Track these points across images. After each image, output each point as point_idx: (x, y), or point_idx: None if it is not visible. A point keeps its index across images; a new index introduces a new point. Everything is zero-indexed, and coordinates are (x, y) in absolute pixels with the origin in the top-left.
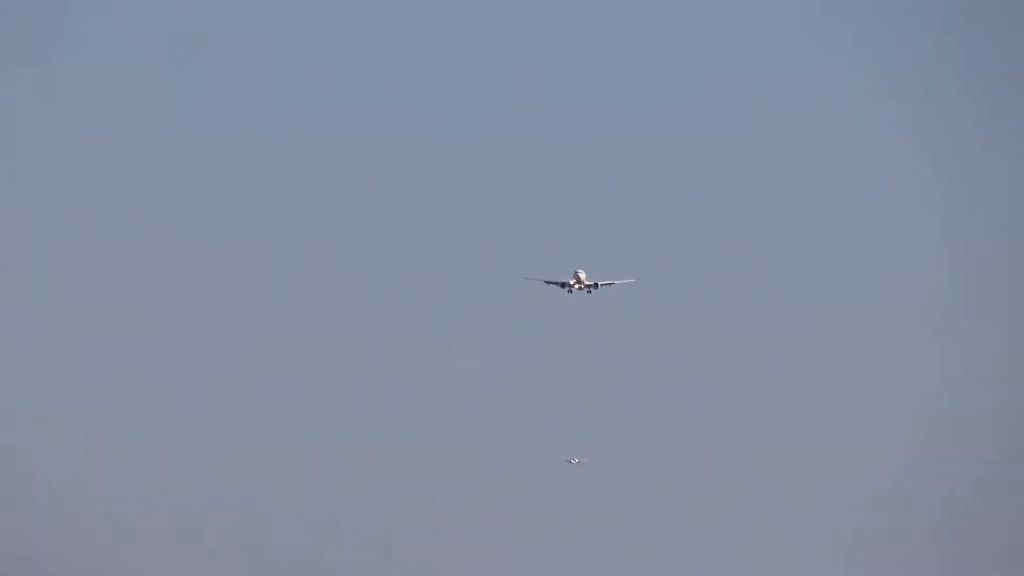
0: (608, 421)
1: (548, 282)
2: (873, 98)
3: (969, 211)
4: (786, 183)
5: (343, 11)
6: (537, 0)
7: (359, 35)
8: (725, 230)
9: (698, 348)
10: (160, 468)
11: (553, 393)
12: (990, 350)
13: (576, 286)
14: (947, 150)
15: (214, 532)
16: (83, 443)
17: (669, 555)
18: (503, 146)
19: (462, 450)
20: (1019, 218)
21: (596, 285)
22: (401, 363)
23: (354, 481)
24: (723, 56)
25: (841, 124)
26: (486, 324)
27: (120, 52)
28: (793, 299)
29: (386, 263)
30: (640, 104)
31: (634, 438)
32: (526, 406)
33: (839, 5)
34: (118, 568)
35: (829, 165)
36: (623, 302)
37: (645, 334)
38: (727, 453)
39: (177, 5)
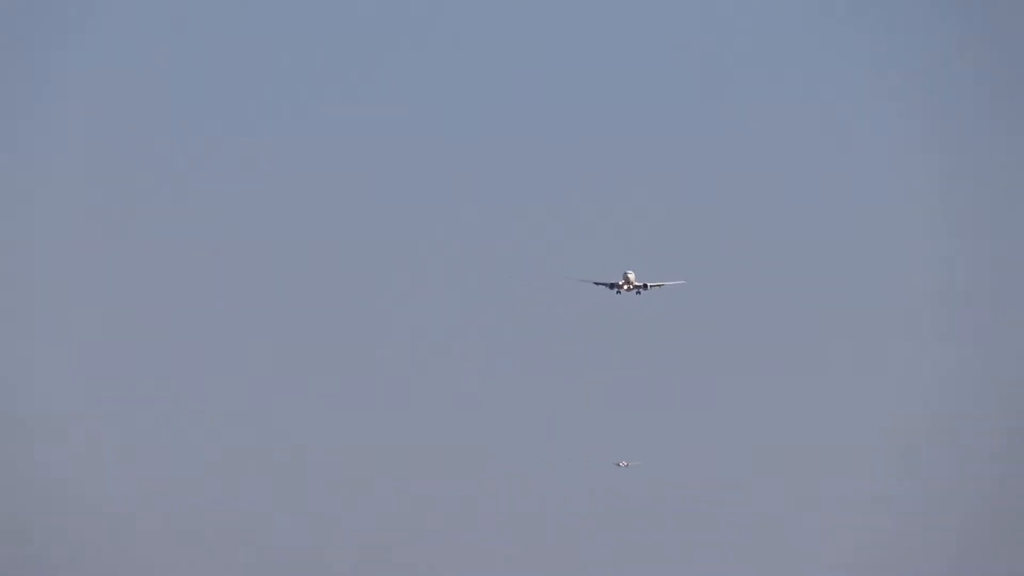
0: (643, 422)
1: (597, 283)
2: (882, 98)
3: (973, 211)
4: (806, 184)
5: (343, 11)
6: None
7: (359, 35)
8: (738, 230)
9: (720, 349)
10: (160, 468)
11: (589, 394)
12: (993, 351)
13: (625, 287)
14: (952, 149)
15: (214, 532)
16: (83, 443)
17: (701, 555)
18: (510, 146)
19: (498, 451)
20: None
21: (645, 286)
22: (429, 365)
23: (392, 482)
24: (731, 55)
25: (849, 124)
26: (533, 324)
27: (120, 52)
28: (817, 301)
29: (407, 264)
30: (652, 103)
31: (670, 439)
32: (564, 408)
33: (840, 5)
34: (118, 567)
35: (844, 166)
36: (658, 304)
37: (670, 335)
38: (750, 453)
39: (177, 5)
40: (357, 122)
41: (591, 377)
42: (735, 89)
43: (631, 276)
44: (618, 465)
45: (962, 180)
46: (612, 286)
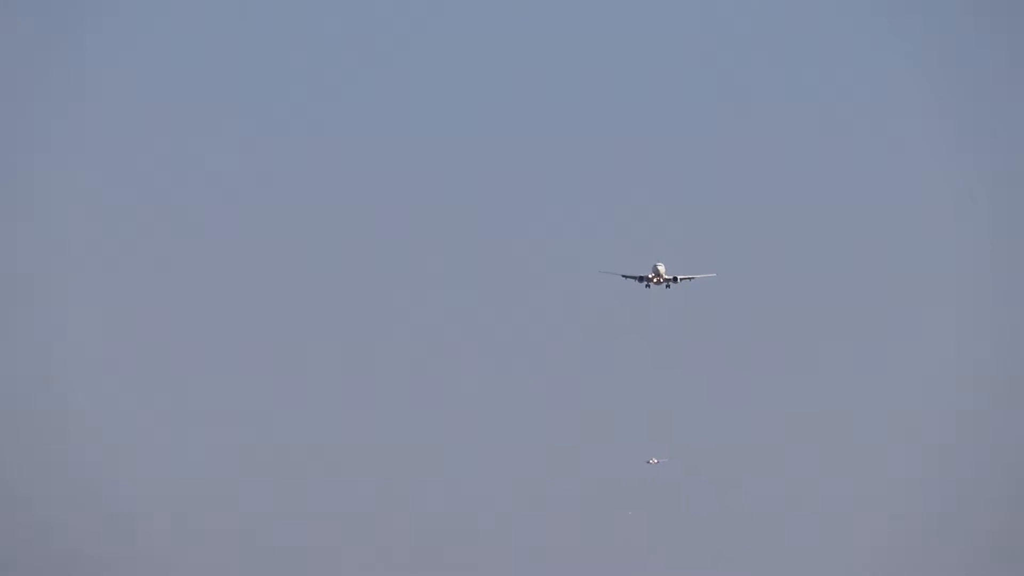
0: (673, 418)
1: (626, 276)
2: (908, 90)
3: (1000, 206)
4: (837, 178)
5: (344, 10)
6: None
7: (362, 35)
8: (769, 223)
9: (751, 343)
10: (159, 467)
11: (618, 389)
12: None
13: (655, 280)
14: (979, 142)
15: (214, 532)
16: (84, 443)
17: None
18: (536, 142)
19: (519, 450)
20: None
21: (675, 279)
22: (453, 361)
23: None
24: (755, 48)
25: (878, 117)
26: (561, 318)
27: (120, 52)
28: (847, 295)
29: (428, 262)
30: (680, 97)
31: (699, 435)
32: (592, 404)
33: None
34: (119, 566)
35: (875, 160)
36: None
37: (701, 329)
38: (780, 449)
39: (177, 5)
40: (365, 121)
41: (620, 372)
42: (761, 83)
43: (661, 269)
44: (649, 463)
45: (988, 173)
46: (642, 279)
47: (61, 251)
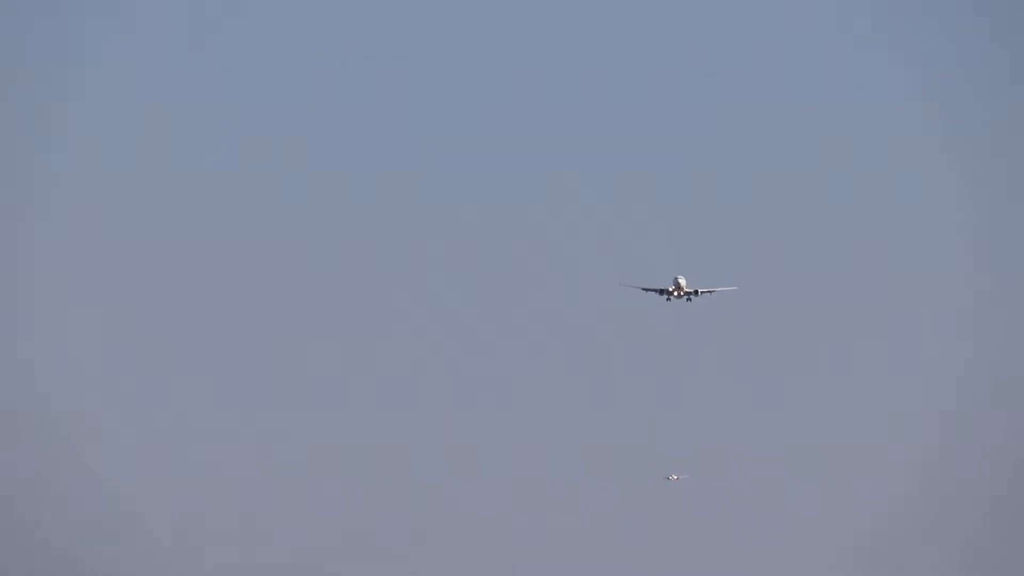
0: (695, 433)
1: (646, 289)
2: (922, 98)
3: (1001, 210)
4: (856, 188)
5: (344, 10)
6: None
7: (361, 35)
8: (788, 235)
9: (774, 357)
10: (159, 467)
11: (639, 404)
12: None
13: (675, 293)
14: (988, 148)
15: (214, 532)
16: (84, 443)
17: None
18: (557, 147)
19: (536, 460)
20: None
21: (696, 292)
22: (467, 372)
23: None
24: (767, 56)
25: (896, 125)
26: (581, 332)
27: (119, 53)
28: (870, 306)
29: (444, 268)
30: (696, 106)
31: (720, 449)
32: (611, 419)
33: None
34: (119, 567)
35: (893, 168)
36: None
37: (722, 344)
38: (799, 460)
39: (177, 5)
40: (365, 121)
41: (620, 373)
42: (761, 83)
43: (682, 282)
44: (668, 479)
45: (988, 173)
46: (662, 292)
47: (61, 251)
